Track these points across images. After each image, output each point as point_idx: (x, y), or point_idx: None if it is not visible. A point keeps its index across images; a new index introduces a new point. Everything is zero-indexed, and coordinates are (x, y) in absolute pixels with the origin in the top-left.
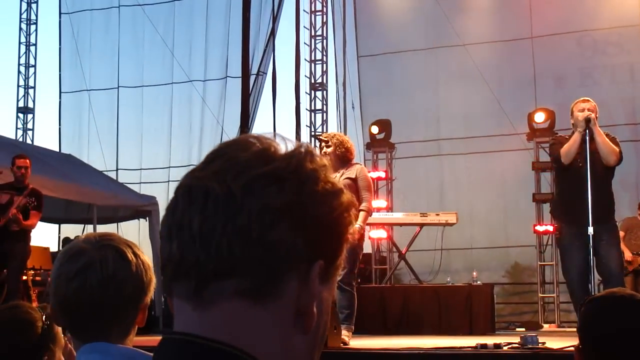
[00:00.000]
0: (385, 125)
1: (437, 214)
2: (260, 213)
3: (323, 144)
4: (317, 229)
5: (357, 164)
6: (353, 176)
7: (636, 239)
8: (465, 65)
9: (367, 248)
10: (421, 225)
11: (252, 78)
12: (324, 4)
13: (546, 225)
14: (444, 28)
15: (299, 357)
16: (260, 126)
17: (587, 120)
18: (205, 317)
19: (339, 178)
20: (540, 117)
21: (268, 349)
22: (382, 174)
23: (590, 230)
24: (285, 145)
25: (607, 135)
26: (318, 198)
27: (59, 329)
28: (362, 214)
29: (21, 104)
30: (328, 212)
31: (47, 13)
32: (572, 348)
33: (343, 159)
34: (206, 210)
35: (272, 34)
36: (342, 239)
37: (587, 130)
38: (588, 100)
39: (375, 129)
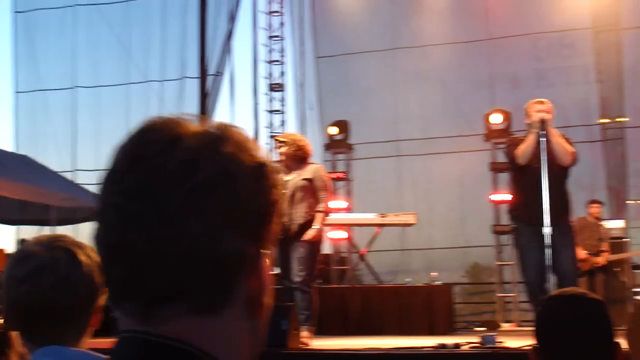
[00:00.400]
0: (343, 126)
1: (397, 215)
2: (203, 232)
3: (279, 144)
4: (258, 223)
5: (314, 164)
6: (310, 177)
7: (587, 239)
8: (423, 67)
9: (327, 249)
10: (380, 225)
11: (210, 79)
12: (281, 5)
13: (504, 225)
14: (401, 30)
15: (252, 342)
16: None
17: (542, 121)
18: (155, 329)
19: (295, 179)
20: (496, 119)
21: (223, 347)
22: (341, 175)
23: (547, 230)
24: (194, 126)
25: (562, 135)
26: (252, 192)
27: (15, 334)
28: (319, 215)
29: None
30: (265, 202)
31: None
32: (530, 347)
33: (299, 159)
34: (146, 232)
35: (230, 34)
36: (278, 216)
37: (543, 131)
38: (543, 102)
39: (333, 130)
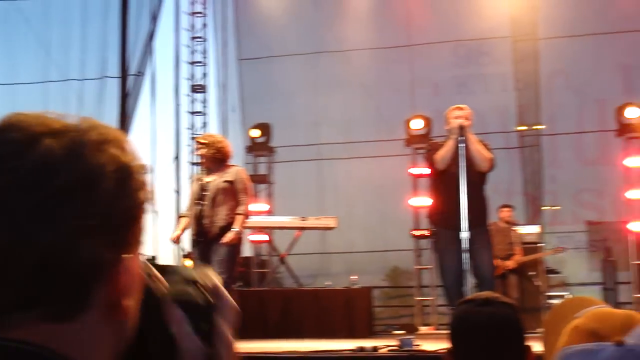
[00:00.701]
0: (265, 129)
1: (317, 218)
2: (55, 240)
3: (199, 145)
4: (121, 228)
5: (234, 166)
6: (230, 179)
7: (498, 244)
8: (345, 72)
9: (247, 251)
10: (301, 229)
11: (131, 79)
12: (204, 6)
13: (423, 229)
14: (324, 34)
15: (115, 343)
16: (140, 128)
17: (461, 127)
18: (6, 334)
19: (216, 180)
20: (417, 124)
21: (82, 349)
22: (263, 178)
23: (465, 234)
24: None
25: (480, 142)
26: (115, 196)
27: None
28: (239, 218)
29: None
30: (129, 205)
31: None
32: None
33: (219, 160)
34: None
35: (152, 34)
36: (143, 220)
37: (461, 137)
38: (463, 108)
39: (255, 133)
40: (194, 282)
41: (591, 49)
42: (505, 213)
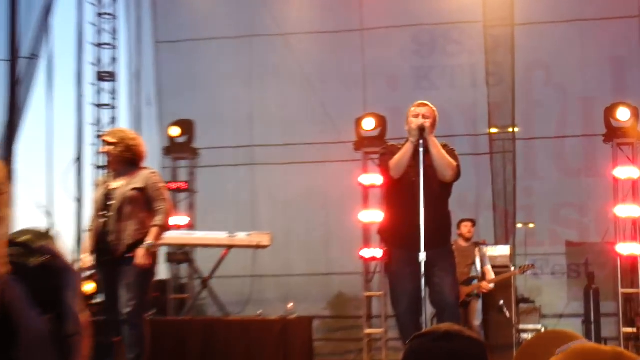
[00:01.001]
0: (187, 127)
1: (248, 234)
2: None
3: (105, 142)
4: None
5: (146, 169)
6: (141, 185)
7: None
8: (285, 59)
9: (163, 273)
10: (229, 247)
11: (23, 62)
12: None
13: (374, 249)
14: (260, 14)
15: None
16: (33, 121)
17: (421, 129)
18: None
19: (123, 188)
20: (369, 124)
21: None
22: (183, 185)
23: (423, 256)
24: None
25: (444, 146)
26: None
27: None
28: (153, 230)
29: None
30: None
31: None
32: None
33: (129, 162)
34: None
35: (48, 9)
36: None
37: (422, 140)
38: (425, 105)
39: (175, 131)
40: (39, 254)
41: (576, 38)
42: (466, 229)
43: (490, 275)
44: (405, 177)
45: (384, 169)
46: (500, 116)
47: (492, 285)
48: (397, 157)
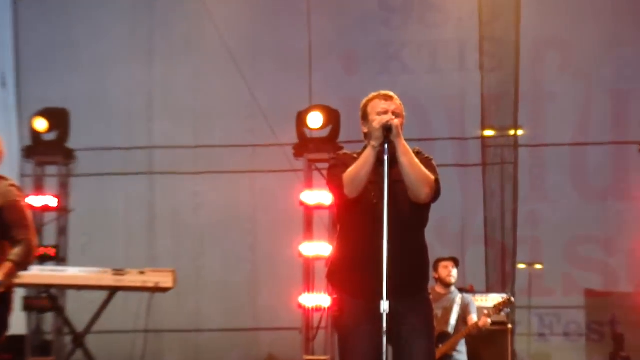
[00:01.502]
0: (58, 119)
1: (142, 272)
2: None
3: None
4: None
5: (2, 179)
6: None
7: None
8: (200, 29)
9: (20, 325)
10: (114, 289)
11: None
12: None
13: (318, 295)
14: None
15: None
16: None
17: (387, 129)
18: None
19: None
20: (315, 120)
21: None
22: (52, 201)
23: (386, 306)
24: None
25: (417, 153)
26: None
27: None
28: (6, 266)
29: None
30: None
31: None
32: None
33: None
34: None
35: None
36: None
37: (387, 145)
38: (391, 97)
39: (41, 124)
40: None
41: (604, 7)
42: (446, 271)
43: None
44: (365, 196)
45: (335, 185)
46: (498, 113)
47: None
48: (353, 169)
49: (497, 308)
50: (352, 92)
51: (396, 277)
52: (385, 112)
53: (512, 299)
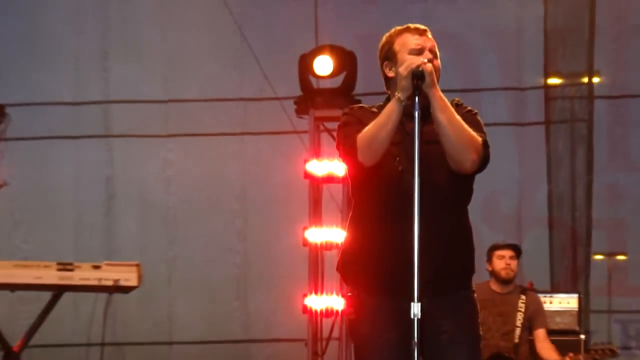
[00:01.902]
0: None
1: (97, 267)
2: None
3: None
4: None
5: None
6: None
7: (492, 327)
8: None
9: None
10: (59, 289)
11: None
12: None
13: (329, 296)
14: None
15: None
16: None
17: (419, 76)
18: None
19: None
20: (324, 66)
21: None
22: None
23: (418, 308)
24: None
25: (457, 106)
26: None
27: None
28: None
29: None
30: None
31: None
32: None
33: None
34: None
35: None
36: None
37: (418, 97)
38: (426, 31)
39: None
40: None
41: None
42: (501, 262)
43: (549, 354)
44: (387, 163)
45: (347, 149)
46: (566, 56)
47: None
48: (370, 127)
49: (592, 357)
50: (372, 27)
51: (431, 269)
52: (420, 51)
53: (615, 349)
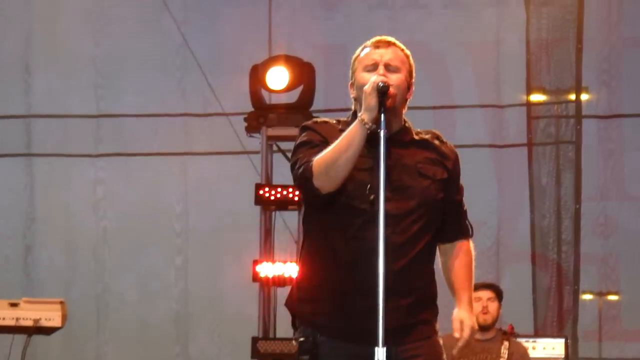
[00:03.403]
0: None
1: (14, 304)
2: None
3: None
4: None
5: None
6: None
7: None
8: None
9: None
10: None
11: None
12: None
13: (283, 341)
14: None
15: None
16: None
17: (382, 91)
18: None
19: None
20: (279, 78)
21: None
22: None
23: (382, 355)
24: None
25: (435, 137)
26: None
27: None
28: None
29: None
30: None
31: None
32: None
33: None
34: None
35: None
36: None
37: (383, 114)
38: (389, 43)
39: None
40: None
41: None
42: (477, 305)
43: None
44: (354, 190)
45: (303, 173)
46: (551, 70)
47: None
48: (329, 151)
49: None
50: (333, 36)
51: (399, 315)
52: (374, 67)
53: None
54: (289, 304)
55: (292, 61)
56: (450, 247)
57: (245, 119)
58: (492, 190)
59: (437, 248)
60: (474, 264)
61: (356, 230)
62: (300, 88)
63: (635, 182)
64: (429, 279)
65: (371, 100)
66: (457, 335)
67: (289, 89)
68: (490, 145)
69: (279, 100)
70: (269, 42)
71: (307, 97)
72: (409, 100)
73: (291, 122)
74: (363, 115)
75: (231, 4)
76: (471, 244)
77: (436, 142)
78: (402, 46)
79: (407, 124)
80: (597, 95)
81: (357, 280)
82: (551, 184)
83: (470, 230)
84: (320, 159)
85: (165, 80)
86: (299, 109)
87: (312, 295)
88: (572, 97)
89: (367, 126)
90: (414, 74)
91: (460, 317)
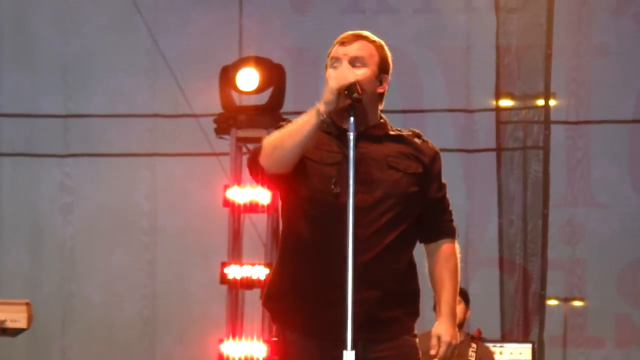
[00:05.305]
0: None
1: None
2: None
3: None
4: None
5: None
6: None
7: None
8: None
9: None
10: None
11: None
12: None
13: (249, 342)
14: None
15: None
16: None
17: (350, 91)
18: None
19: None
20: (249, 80)
21: None
22: None
23: (351, 355)
24: None
25: (415, 136)
26: None
27: None
28: None
29: None
30: None
31: None
32: None
33: None
34: None
35: None
36: None
37: (352, 113)
38: (356, 37)
39: None
40: None
41: None
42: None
43: None
44: (320, 184)
45: (253, 152)
46: (520, 75)
47: None
48: (278, 134)
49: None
50: (303, 39)
51: (367, 308)
52: (340, 62)
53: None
54: (263, 301)
55: (262, 63)
56: (434, 247)
57: (215, 121)
58: (461, 195)
59: (425, 249)
60: (459, 267)
61: (321, 223)
62: (270, 90)
63: (602, 189)
64: (402, 274)
65: (330, 96)
66: (432, 352)
67: (259, 90)
68: (460, 150)
69: (249, 101)
70: (239, 44)
71: (277, 98)
72: (384, 93)
73: (261, 124)
74: (320, 105)
75: (201, 6)
76: (457, 245)
77: (415, 139)
78: (374, 38)
79: (382, 120)
80: (565, 101)
81: (323, 273)
82: (519, 189)
83: (455, 230)
84: (269, 139)
85: (134, 80)
86: (269, 111)
87: (280, 290)
88: (541, 102)
89: (322, 117)
90: (390, 65)
91: (437, 332)
